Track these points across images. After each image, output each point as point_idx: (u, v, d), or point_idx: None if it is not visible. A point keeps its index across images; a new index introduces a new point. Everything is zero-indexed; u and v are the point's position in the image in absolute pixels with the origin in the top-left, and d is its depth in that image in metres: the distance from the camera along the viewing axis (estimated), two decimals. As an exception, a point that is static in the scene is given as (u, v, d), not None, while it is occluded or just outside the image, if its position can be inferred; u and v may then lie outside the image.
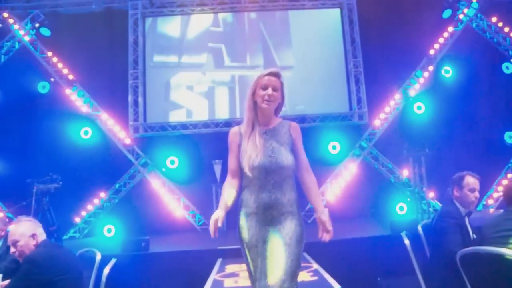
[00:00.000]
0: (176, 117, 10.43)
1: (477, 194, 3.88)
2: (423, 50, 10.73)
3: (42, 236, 3.14)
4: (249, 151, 2.75)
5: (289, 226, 2.72)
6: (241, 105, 10.52)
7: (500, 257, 2.98)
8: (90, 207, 9.91)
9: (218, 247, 6.59)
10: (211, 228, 2.55)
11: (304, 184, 2.87)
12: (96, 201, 9.92)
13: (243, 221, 2.77)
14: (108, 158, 9.88)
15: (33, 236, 3.10)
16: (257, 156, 2.71)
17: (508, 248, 3.04)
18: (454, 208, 3.88)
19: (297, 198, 2.80)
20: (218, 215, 2.60)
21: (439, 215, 3.93)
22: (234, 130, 2.89)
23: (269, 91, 2.78)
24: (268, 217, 2.72)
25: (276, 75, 2.85)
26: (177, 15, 10.87)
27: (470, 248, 3.12)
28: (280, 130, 2.87)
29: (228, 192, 2.78)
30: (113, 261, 3.43)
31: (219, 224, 2.56)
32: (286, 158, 2.76)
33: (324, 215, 2.74)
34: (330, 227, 2.68)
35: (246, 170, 2.70)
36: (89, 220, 9.94)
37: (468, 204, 3.85)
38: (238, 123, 10.11)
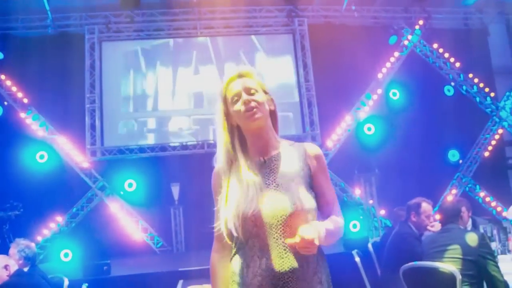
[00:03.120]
0: (136, 139, 10.54)
1: (432, 219, 4.33)
2: (371, 74, 11.31)
3: (14, 266, 3.25)
4: (234, 197, 1.85)
5: None
6: (203, 128, 10.74)
7: (436, 270, 3.34)
8: (46, 231, 9.78)
9: (180, 269, 6.73)
10: None
11: None
12: (52, 225, 9.81)
13: None
14: (65, 182, 9.81)
15: (6, 267, 3.20)
16: (250, 201, 1.80)
17: (443, 262, 3.41)
18: (410, 229, 4.32)
19: (328, 272, 1.89)
20: None
21: (400, 237, 4.34)
22: (214, 172, 2.01)
23: (244, 97, 1.88)
24: None
25: (245, 74, 1.97)
26: (134, 40, 11.02)
27: (410, 263, 3.47)
28: (290, 156, 1.94)
29: (220, 278, 1.93)
30: (85, 286, 3.56)
31: None
32: (301, 197, 1.81)
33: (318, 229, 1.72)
34: (311, 237, 1.63)
35: (232, 227, 1.79)
36: (44, 245, 9.80)
37: (423, 228, 4.31)
38: (195, 146, 10.33)
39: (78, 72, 10.46)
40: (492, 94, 11.93)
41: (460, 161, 11.50)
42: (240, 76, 1.96)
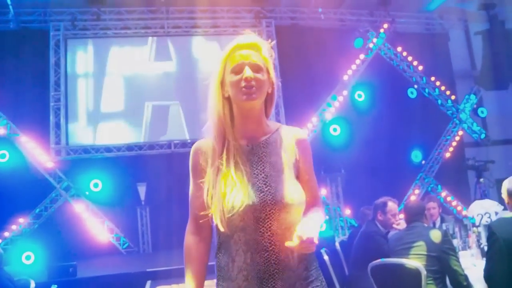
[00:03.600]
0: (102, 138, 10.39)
1: (397, 218, 4.48)
2: (337, 76, 11.51)
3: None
4: (222, 186, 1.72)
5: None
6: (173, 125, 10.63)
7: (402, 267, 3.47)
8: (6, 234, 9.51)
9: (147, 269, 6.69)
10: None
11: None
12: (14, 227, 9.55)
13: None
14: (28, 182, 9.53)
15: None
16: (237, 193, 1.69)
17: (408, 258, 3.55)
18: (377, 228, 4.45)
19: (314, 256, 1.84)
20: None
21: (368, 235, 4.46)
22: (195, 148, 1.85)
23: (247, 72, 1.72)
24: None
25: (255, 46, 1.80)
26: (100, 38, 10.86)
27: (378, 260, 3.60)
28: (279, 144, 1.82)
29: (195, 261, 1.83)
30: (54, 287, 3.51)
31: None
32: (291, 191, 1.73)
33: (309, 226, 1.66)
34: (311, 236, 1.60)
35: (218, 222, 1.70)
36: (5, 248, 9.52)
37: (389, 226, 4.45)
38: (162, 146, 10.26)
39: (42, 70, 10.22)
40: (453, 97, 12.35)
41: (423, 162, 11.85)
42: (250, 46, 1.79)
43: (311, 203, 1.85)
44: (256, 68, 1.76)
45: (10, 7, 10.08)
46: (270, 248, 1.70)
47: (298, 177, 1.83)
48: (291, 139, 1.85)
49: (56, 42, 10.48)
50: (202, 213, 1.76)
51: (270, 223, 1.70)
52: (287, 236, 1.68)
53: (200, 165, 1.81)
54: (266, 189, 1.71)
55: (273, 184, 1.72)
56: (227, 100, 1.80)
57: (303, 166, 1.85)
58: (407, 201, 4.37)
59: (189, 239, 1.86)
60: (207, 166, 1.79)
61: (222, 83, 1.80)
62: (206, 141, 1.85)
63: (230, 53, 1.80)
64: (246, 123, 1.81)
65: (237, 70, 1.75)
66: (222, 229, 1.70)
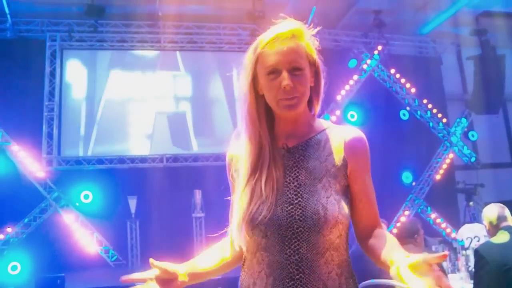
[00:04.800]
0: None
1: None
2: (331, 95, 11.60)
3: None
4: (248, 195, 1.47)
5: None
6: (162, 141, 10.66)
7: (393, 288, 3.50)
8: (-6, 242, 9.42)
9: (137, 284, 6.63)
10: (130, 277, 1.46)
11: (375, 240, 1.50)
12: (1, 236, 9.44)
13: None
14: (18, 192, 9.46)
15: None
16: (261, 204, 1.43)
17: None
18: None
19: None
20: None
21: (357, 255, 4.48)
22: (229, 157, 1.63)
23: (285, 77, 1.44)
24: None
25: (293, 36, 1.49)
26: (96, 50, 10.91)
27: (368, 281, 3.61)
28: (322, 146, 1.53)
29: (210, 252, 1.63)
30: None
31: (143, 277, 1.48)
32: (328, 205, 1.43)
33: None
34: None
35: (235, 236, 1.48)
36: (-9, 256, 9.43)
37: None
38: (154, 159, 10.22)
39: (37, 79, 10.20)
40: (444, 120, 12.48)
41: (413, 183, 11.92)
42: (289, 37, 1.48)
43: (370, 225, 1.54)
44: (297, 68, 1.47)
45: (8, 16, 10.10)
46: (297, 277, 1.39)
47: (349, 190, 1.52)
48: (339, 139, 1.54)
49: (52, 52, 10.50)
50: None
51: (298, 245, 1.40)
52: (321, 264, 1.40)
53: (233, 177, 1.59)
54: (296, 201, 1.42)
55: (306, 195, 1.42)
56: (262, 97, 1.53)
57: (354, 174, 1.52)
58: (402, 222, 4.42)
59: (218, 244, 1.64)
60: (238, 176, 1.55)
61: (255, 79, 1.52)
62: (240, 147, 1.57)
63: (267, 44, 1.49)
64: (285, 123, 1.54)
65: (273, 73, 1.47)
66: (239, 247, 1.50)
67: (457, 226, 10.16)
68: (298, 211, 1.41)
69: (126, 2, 10.49)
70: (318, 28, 1.61)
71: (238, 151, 1.58)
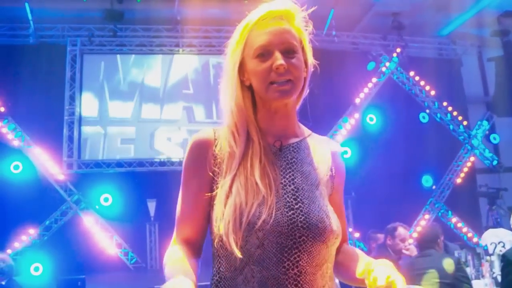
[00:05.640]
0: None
1: (407, 243, 4.46)
2: (349, 98, 11.54)
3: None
4: (240, 194, 1.25)
5: None
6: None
7: (415, 294, 3.45)
8: (17, 244, 9.55)
9: (155, 286, 6.67)
10: None
11: (345, 256, 1.42)
12: (24, 238, 9.58)
13: None
14: (39, 194, 9.62)
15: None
16: (260, 206, 1.24)
17: (421, 285, 3.53)
18: (388, 253, 4.44)
19: None
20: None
21: None
22: (201, 137, 1.39)
23: (279, 60, 1.28)
24: None
25: (287, 14, 1.34)
26: (116, 54, 11.02)
27: None
28: (312, 152, 1.40)
29: (183, 257, 1.33)
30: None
31: None
32: (330, 215, 1.30)
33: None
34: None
35: (227, 242, 1.22)
36: (14, 258, 9.54)
37: (399, 252, 4.43)
38: (173, 163, 10.25)
39: (58, 83, 10.36)
40: (465, 123, 12.30)
41: (433, 187, 11.77)
42: (281, 17, 1.31)
43: (342, 240, 1.40)
44: (291, 51, 1.29)
45: (31, 22, 10.28)
46: None
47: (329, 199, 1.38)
48: (326, 149, 1.43)
49: (73, 56, 10.64)
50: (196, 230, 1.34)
51: (299, 256, 1.22)
52: (317, 278, 1.24)
53: (210, 166, 1.33)
54: (296, 206, 1.25)
55: (306, 201, 1.26)
56: (248, 88, 1.36)
57: (337, 187, 1.43)
58: (422, 227, 4.38)
59: (169, 252, 1.38)
60: (222, 170, 1.32)
61: (241, 67, 1.35)
62: (215, 134, 1.37)
63: (254, 26, 1.32)
64: (274, 118, 1.37)
65: (263, 55, 1.29)
66: (237, 254, 1.21)
67: (479, 230, 10.01)
68: (300, 217, 1.24)
69: (145, 6, 10.59)
70: (312, 9, 1.42)
71: (212, 138, 1.37)
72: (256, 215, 1.22)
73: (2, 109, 10.11)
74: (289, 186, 1.28)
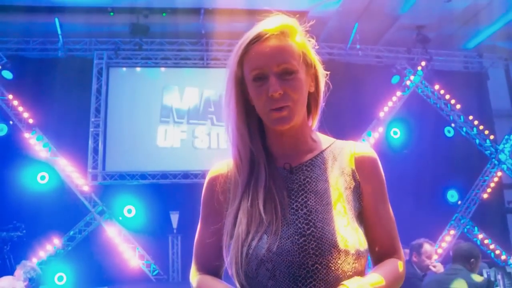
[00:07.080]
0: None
1: (433, 260, 4.39)
2: (373, 112, 11.45)
3: (22, 288, 3.26)
4: (244, 225, 1.22)
5: None
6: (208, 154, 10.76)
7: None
8: (42, 253, 9.68)
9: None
10: None
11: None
12: (49, 247, 9.72)
13: None
14: (64, 205, 9.76)
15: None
16: (264, 236, 1.19)
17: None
18: (413, 270, 4.37)
19: None
20: None
21: (405, 278, 4.39)
22: (212, 175, 1.41)
23: (272, 83, 1.23)
24: None
25: (284, 31, 1.28)
26: (141, 67, 11.19)
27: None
28: (330, 165, 1.32)
29: (217, 281, 1.34)
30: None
31: None
32: (346, 236, 1.20)
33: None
34: None
35: (233, 272, 1.22)
36: (39, 267, 9.65)
37: (425, 268, 4.36)
38: (196, 175, 10.30)
39: (84, 96, 10.58)
40: (492, 137, 12.07)
41: (459, 202, 11.54)
42: (277, 35, 1.25)
43: (386, 253, 1.30)
44: (288, 71, 1.24)
45: (60, 36, 10.54)
46: None
47: (362, 215, 1.30)
48: (347, 156, 1.32)
49: (99, 70, 10.84)
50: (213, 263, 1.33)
51: (314, 286, 1.14)
52: None
53: (218, 199, 1.34)
54: (308, 231, 1.17)
55: (319, 224, 1.18)
56: (254, 109, 1.30)
57: (369, 198, 1.30)
58: (458, 243, 4.29)
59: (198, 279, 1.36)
60: (229, 199, 1.31)
61: (243, 86, 1.30)
62: (228, 165, 1.35)
63: (248, 46, 1.26)
64: (282, 139, 1.31)
65: (260, 78, 1.24)
66: (239, 281, 1.20)
67: (507, 248, 9.77)
68: (312, 244, 1.16)
69: (170, 20, 10.76)
70: (311, 22, 1.38)
71: (225, 170, 1.36)
72: (261, 245, 1.17)
73: (31, 121, 10.34)
74: (301, 210, 1.22)
